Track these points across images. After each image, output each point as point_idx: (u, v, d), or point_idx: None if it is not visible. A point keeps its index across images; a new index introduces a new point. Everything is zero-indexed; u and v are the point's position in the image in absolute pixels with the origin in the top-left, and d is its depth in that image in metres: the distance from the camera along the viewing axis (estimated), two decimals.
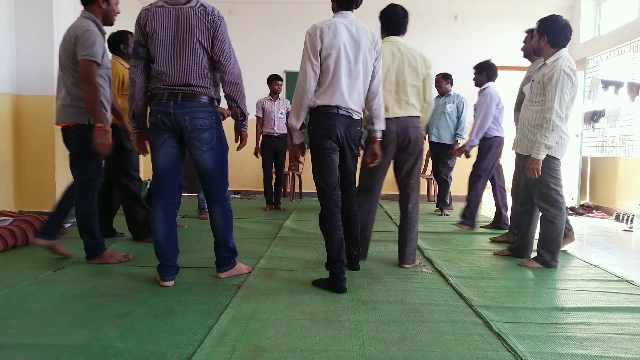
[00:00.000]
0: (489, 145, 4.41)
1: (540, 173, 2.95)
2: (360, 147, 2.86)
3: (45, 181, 4.71)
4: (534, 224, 3.25)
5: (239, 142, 2.66)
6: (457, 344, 1.85)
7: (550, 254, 3.07)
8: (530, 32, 3.62)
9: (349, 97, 2.46)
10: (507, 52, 6.21)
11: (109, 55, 2.97)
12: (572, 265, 3.19)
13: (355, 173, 2.69)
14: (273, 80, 5.57)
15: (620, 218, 5.34)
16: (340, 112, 2.46)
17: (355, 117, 2.53)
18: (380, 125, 2.66)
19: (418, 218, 3.06)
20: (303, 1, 7.21)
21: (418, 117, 2.97)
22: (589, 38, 6.72)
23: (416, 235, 3.05)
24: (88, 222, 2.87)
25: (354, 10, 2.56)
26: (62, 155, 3.48)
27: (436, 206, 5.67)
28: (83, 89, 2.69)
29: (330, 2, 2.57)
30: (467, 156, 4.73)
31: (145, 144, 2.59)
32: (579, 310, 2.30)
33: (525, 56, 3.77)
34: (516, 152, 3.24)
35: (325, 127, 2.46)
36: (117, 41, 3.59)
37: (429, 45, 6.26)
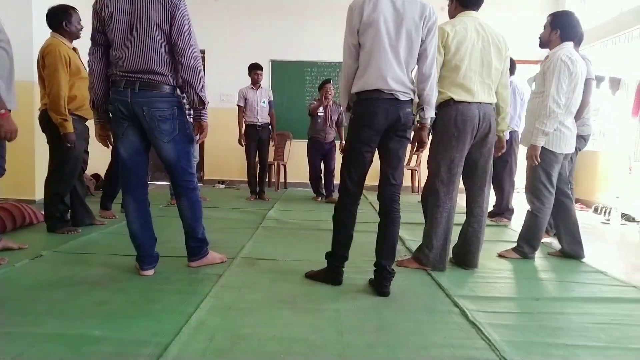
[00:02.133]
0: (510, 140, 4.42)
1: (539, 160, 2.95)
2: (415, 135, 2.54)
3: (24, 168, 4.63)
4: (570, 221, 3.18)
5: (198, 134, 2.59)
6: (433, 332, 1.88)
7: (529, 247, 3.12)
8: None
9: (392, 78, 2.18)
10: None
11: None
12: (549, 257, 3.25)
13: (403, 163, 2.36)
14: (252, 69, 5.56)
15: (599, 211, 5.45)
16: (383, 95, 2.19)
17: (402, 98, 2.22)
18: (430, 113, 2.37)
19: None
20: None
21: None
22: None
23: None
24: None
25: None
26: (41, 141, 3.40)
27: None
28: None
29: None
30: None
31: (105, 136, 2.54)
32: (554, 300, 2.36)
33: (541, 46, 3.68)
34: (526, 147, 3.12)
35: (366, 115, 2.22)
36: (59, 18, 3.23)
37: None
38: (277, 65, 7.28)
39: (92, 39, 2.36)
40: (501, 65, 2.70)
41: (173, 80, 2.35)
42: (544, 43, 3.08)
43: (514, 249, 3.17)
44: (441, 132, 2.66)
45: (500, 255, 3.18)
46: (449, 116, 2.63)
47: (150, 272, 2.49)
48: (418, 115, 2.37)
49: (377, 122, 2.21)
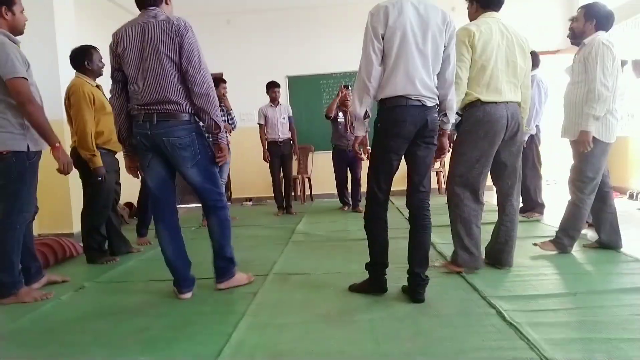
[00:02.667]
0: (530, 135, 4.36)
1: (591, 146, 2.89)
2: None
3: (60, 203, 4.82)
4: (609, 210, 3.14)
5: (219, 155, 2.54)
6: (471, 336, 1.87)
7: (569, 239, 3.08)
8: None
9: (419, 82, 2.17)
10: None
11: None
12: (586, 249, 3.18)
13: (430, 168, 2.36)
14: (269, 87, 5.67)
15: (634, 197, 5.28)
16: (410, 102, 2.18)
17: (429, 103, 2.23)
18: (452, 118, 2.39)
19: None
20: (300, 6, 7.25)
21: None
22: None
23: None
24: (9, 258, 2.57)
25: None
26: (74, 177, 3.56)
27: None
28: (20, 111, 2.48)
29: None
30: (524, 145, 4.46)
31: (134, 167, 2.68)
32: (593, 293, 2.31)
33: (573, 43, 3.62)
34: (570, 140, 3.09)
35: (395, 123, 2.20)
36: (81, 58, 3.38)
37: None
38: (293, 80, 7.38)
39: (111, 77, 2.49)
40: (525, 65, 2.69)
41: (189, 107, 2.40)
42: (578, 34, 3.05)
43: (552, 241, 3.13)
44: (466, 132, 2.64)
45: (535, 244, 3.14)
46: (475, 117, 2.60)
47: (188, 294, 2.57)
48: (440, 122, 2.37)
49: (406, 130, 2.20)
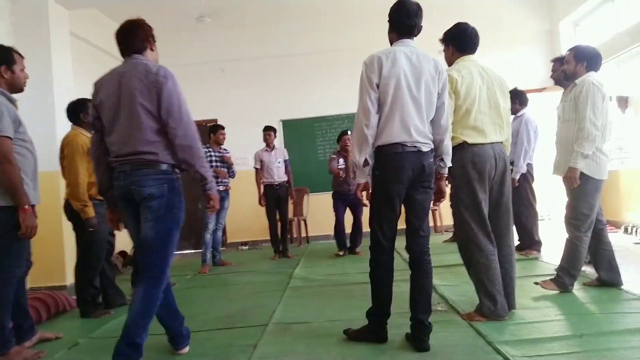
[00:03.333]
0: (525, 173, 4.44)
1: (578, 182, 2.95)
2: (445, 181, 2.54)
3: (53, 255, 4.74)
4: (605, 247, 3.14)
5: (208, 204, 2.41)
6: None
7: (570, 277, 3.07)
8: (557, 60, 3.74)
9: (414, 129, 2.23)
10: None
11: (21, 124, 2.60)
12: (587, 287, 3.16)
13: (428, 211, 2.38)
14: (265, 131, 5.77)
15: (629, 231, 5.31)
16: (407, 149, 2.23)
17: (425, 149, 2.27)
18: (449, 162, 2.42)
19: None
20: (291, 53, 7.46)
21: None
22: None
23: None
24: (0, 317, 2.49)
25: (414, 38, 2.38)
26: (68, 228, 3.52)
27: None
28: None
29: (388, 35, 2.42)
30: (515, 184, 4.38)
31: (115, 219, 2.47)
32: (600, 335, 2.28)
33: (557, 83, 3.76)
34: (562, 177, 3.13)
35: (393, 170, 2.24)
36: (77, 110, 3.41)
37: None
38: (287, 124, 7.49)
39: (91, 125, 2.46)
40: (506, 104, 2.75)
41: (168, 157, 2.23)
42: (570, 75, 3.17)
43: (553, 280, 3.12)
44: (460, 176, 2.63)
45: (537, 283, 3.12)
46: (465, 159, 2.61)
47: (185, 350, 2.48)
48: (437, 166, 2.40)
49: (404, 175, 2.23)
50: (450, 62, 2.79)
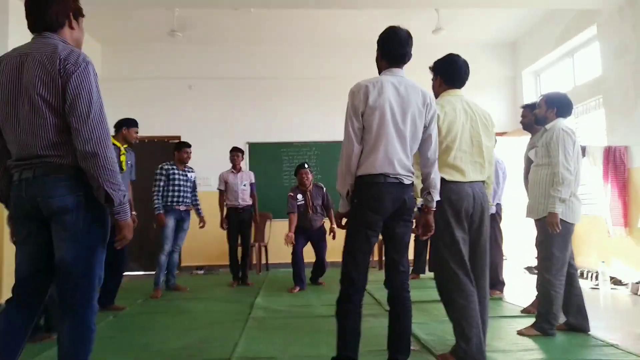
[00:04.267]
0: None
1: (559, 227, 2.95)
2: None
3: None
4: (576, 293, 3.18)
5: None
6: None
7: (548, 324, 3.04)
8: (527, 107, 3.84)
9: (398, 162, 2.17)
10: None
11: None
12: (558, 332, 3.15)
13: (408, 247, 2.29)
14: (232, 152, 5.59)
15: (585, 275, 5.47)
16: (388, 180, 2.16)
17: (406, 181, 2.21)
18: (436, 196, 2.33)
19: None
20: (262, 76, 7.39)
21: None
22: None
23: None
24: None
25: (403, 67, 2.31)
26: (7, 240, 3.17)
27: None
28: None
29: (376, 62, 2.36)
30: None
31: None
32: None
33: (525, 128, 3.85)
34: (534, 220, 3.18)
35: (372, 199, 2.15)
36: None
37: None
38: (253, 147, 7.33)
39: None
40: (490, 143, 2.67)
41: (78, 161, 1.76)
42: (541, 119, 3.28)
43: (532, 326, 3.10)
44: (438, 213, 2.45)
45: (520, 333, 3.09)
46: (442, 196, 2.44)
47: None
48: (424, 200, 2.32)
49: (383, 207, 2.16)
50: (437, 94, 2.70)
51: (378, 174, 2.15)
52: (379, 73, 2.34)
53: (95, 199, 1.75)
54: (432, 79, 2.77)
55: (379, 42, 2.32)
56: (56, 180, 1.71)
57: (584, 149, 5.65)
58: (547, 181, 3.07)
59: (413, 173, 2.27)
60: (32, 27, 1.81)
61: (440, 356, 2.59)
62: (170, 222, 4.90)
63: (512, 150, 5.90)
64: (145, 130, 6.91)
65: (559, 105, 3.20)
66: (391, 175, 2.16)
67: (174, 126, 7.23)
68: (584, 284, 5.10)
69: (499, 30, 7.11)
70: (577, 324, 3.12)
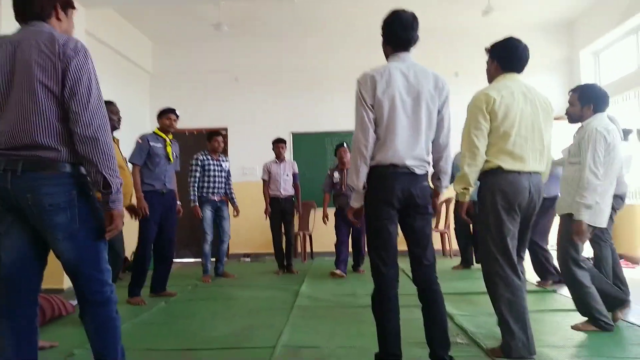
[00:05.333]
0: None
1: (587, 236, 2.85)
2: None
3: (50, 255, 4.58)
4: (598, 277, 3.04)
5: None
6: None
7: (602, 317, 2.87)
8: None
9: (409, 152, 2.10)
10: None
11: None
12: (621, 328, 2.97)
13: (430, 238, 2.21)
14: (275, 143, 5.63)
15: None
16: (399, 170, 2.10)
17: (418, 172, 2.14)
18: (446, 182, 2.29)
19: None
20: (304, 68, 7.39)
21: None
22: None
23: None
24: None
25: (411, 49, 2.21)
26: None
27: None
28: None
29: (382, 48, 2.27)
30: None
31: None
32: None
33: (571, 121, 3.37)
34: (559, 215, 3.06)
35: (382, 190, 2.11)
36: None
37: None
38: (297, 137, 7.38)
39: None
40: (550, 129, 2.52)
41: (72, 156, 1.74)
42: (576, 118, 3.06)
43: (588, 321, 2.93)
44: (489, 204, 2.43)
45: (575, 328, 2.94)
46: (495, 187, 2.41)
47: None
48: (435, 185, 2.31)
49: (393, 197, 2.10)
50: (491, 78, 2.58)
51: (388, 165, 2.11)
52: (386, 59, 2.26)
53: (86, 195, 1.77)
54: (487, 63, 2.62)
55: (382, 27, 2.23)
56: (49, 177, 1.70)
57: None
58: (574, 180, 2.88)
59: (428, 162, 2.21)
60: (19, 16, 1.80)
61: (490, 350, 2.52)
62: (207, 213, 5.02)
63: (568, 137, 5.60)
64: (194, 122, 7.16)
65: (595, 101, 2.98)
66: (401, 165, 2.10)
67: (221, 118, 7.39)
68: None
69: (554, 9, 6.70)
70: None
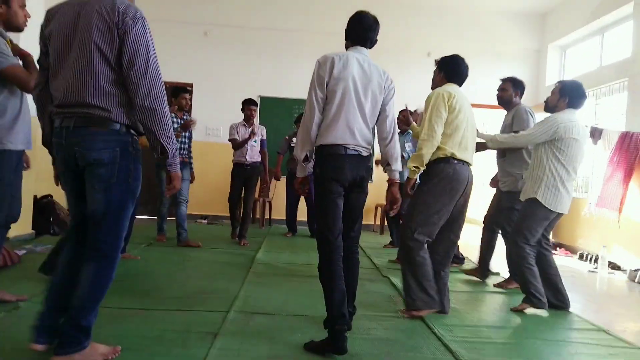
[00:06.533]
0: None
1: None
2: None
3: None
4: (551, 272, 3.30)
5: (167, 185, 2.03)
6: None
7: (528, 297, 3.12)
8: (509, 80, 3.84)
9: (358, 133, 2.29)
10: (479, 89, 6.38)
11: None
12: (550, 312, 3.19)
13: (361, 214, 2.47)
14: (246, 105, 5.26)
15: (584, 258, 5.50)
16: (348, 151, 2.29)
17: (364, 153, 2.36)
18: (397, 166, 2.47)
19: None
20: (279, 28, 7.21)
21: None
22: (554, 82, 7.00)
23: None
24: None
25: (368, 49, 2.45)
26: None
27: None
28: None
29: (345, 41, 2.48)
30: None
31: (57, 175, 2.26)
32: None
33: (501, 103, 3.89)
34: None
35: (332, 169, 2.29)
36: None
37: (401, 81, 6.26)
38: (265, 101, 7.24)
39: (37, 62, 2.01)
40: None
41: (123, 117, 1.85)
42: (551, 107, 3.26)
43: (524, 301, 3.15)
44: (434, 185, 2.78)
45: (514, 309, 3.14)
46: (446, 173, 2.77)
47: (40, 347, 1.91)
48: (388, 172, 2.48)
49: (343, 176, 2.29)
50: (436, 86, 2.95)
51: (338, 145, 2.28)
52: (346, 50, 2.45)
53: (130, 155, 1.89)
54: (434, 72, 3.02)
55: (347, 23, 2.46)
56: (95, 133, 1.82)
57: (600, 132, 5.54)
58: (540, 166, 3.14)
59: (372, 146, 2.42)
60: None
61: (403, 312, 2.89)
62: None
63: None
64: None
65: (572, 96, 3.16)
66: (351, 147, 2.29)
67: (186, 73, 7.12)
68: (583, 266, 5.16)
69: None
70: (557, 301, 3.21)
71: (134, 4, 1.87)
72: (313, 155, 2.39)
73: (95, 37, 1.76)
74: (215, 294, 3.10)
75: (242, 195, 5.39)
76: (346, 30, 2.46)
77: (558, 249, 6.15)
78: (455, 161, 2.77)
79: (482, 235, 3.92)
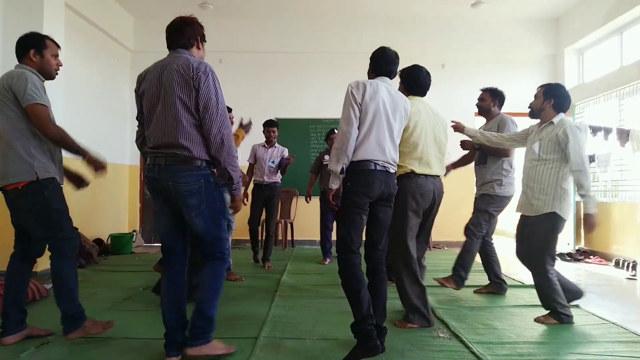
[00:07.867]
0: None
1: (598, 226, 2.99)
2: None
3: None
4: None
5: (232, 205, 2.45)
6: None
7: (563, 310, 3.02)
8: (488, 90, 3.84)
9: (387, 150, 2.46)
10: None
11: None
12: (589, 324, 3.06)
13: (387, 229, 2.56)
14: (265, 126, 5.28)
15: (620, 264, 5.28)
16: (378, 167, 2.44)
17: (392, 170, 2.52)
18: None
19: None
20: (291, 51, 7.29)
21: None
22: (573, 85, 6.89)
23: None
24: (70, 288, 2.51)
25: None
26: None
27: None
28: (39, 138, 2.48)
29: (367, 75, 2.65)
30: None
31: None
32: None
33: (481, 113, 3.90)
34: (524, 214, 3.20)
35: (363, 184, 2.42)
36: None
37: None
38: (282, 122, 7.22)
39: (136, 118, 2.44)
40: (446, 141, 3.09)
41: (202, 153, 2.26)
42: (536, 112, 3.17)
43: (549, 314, 3.05)
44: (401, 203, 2.89)
45: (538, 320, 3.05)
46: (408, 188, 2.91)
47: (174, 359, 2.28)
48: None
49: (372, 191, 2.43)
50: None
51: (369, 161, 2.42)
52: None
53: (211, 184, 2.29)
54: (399, 85, 3.08)
55: (371, 58, 2.66)
56: (182, 170, 2.23)
57: (627, 133, 5.39)
58: (551, 177, 3.00)
59: (397, 163, 2.60)
60: (170, 45, 2.36)
61: (397, 321, 2.98)
62: None
63: None
64: None
65: (557, 98, 3.07)
66: (380, 163, 2.44)
67: None
68: (620, 274, 4.95)
69: (541, 5, 6.73)
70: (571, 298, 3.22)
71: (204, 61, 2.28)
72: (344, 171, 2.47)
73: (177, 90, 2.20)
74: (244, 319, 3.05)
75: (264, 217, 5.36)
76: (371, 64, 2.65)
77: (592, 257, 5.93)
78: (417, 176, 2.92)
79: (480, 253, 3.79)
